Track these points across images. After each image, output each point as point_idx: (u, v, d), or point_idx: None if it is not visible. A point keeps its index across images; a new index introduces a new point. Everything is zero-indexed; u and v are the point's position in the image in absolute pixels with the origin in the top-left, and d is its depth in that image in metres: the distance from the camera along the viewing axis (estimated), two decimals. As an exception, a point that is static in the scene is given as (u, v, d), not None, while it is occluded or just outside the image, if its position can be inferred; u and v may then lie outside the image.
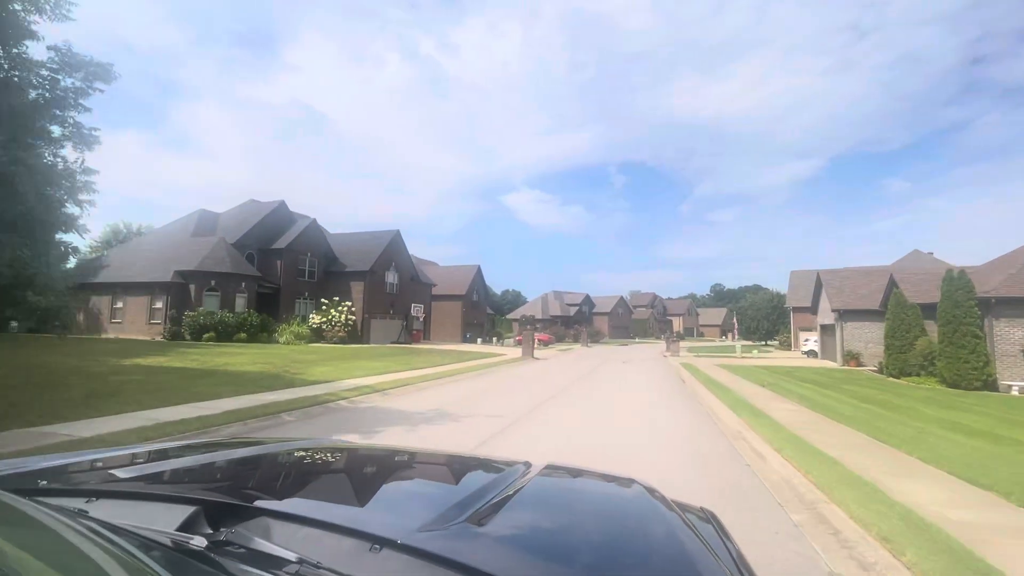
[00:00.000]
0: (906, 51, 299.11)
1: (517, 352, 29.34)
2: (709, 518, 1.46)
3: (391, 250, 38.22)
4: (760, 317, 59.60)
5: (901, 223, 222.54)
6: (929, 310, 20.29)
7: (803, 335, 45.76)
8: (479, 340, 46.23)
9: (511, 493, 1.33)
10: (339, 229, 45.16)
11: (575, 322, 72.22)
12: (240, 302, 28.73)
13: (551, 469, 1.72)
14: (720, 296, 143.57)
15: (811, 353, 36.89)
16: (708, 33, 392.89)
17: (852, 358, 25.77)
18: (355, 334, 34.19)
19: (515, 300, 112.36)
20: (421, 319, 39.70)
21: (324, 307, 33.30)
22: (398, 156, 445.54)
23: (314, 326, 32.52)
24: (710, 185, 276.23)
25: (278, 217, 34.68)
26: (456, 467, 1.98)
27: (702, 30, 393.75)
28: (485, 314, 57.73)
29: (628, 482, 1.65)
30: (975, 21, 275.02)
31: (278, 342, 27.61)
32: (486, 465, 1.93)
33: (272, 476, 1.66)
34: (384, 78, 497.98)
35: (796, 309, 47.18)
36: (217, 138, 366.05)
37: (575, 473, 1.91)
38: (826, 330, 31.59)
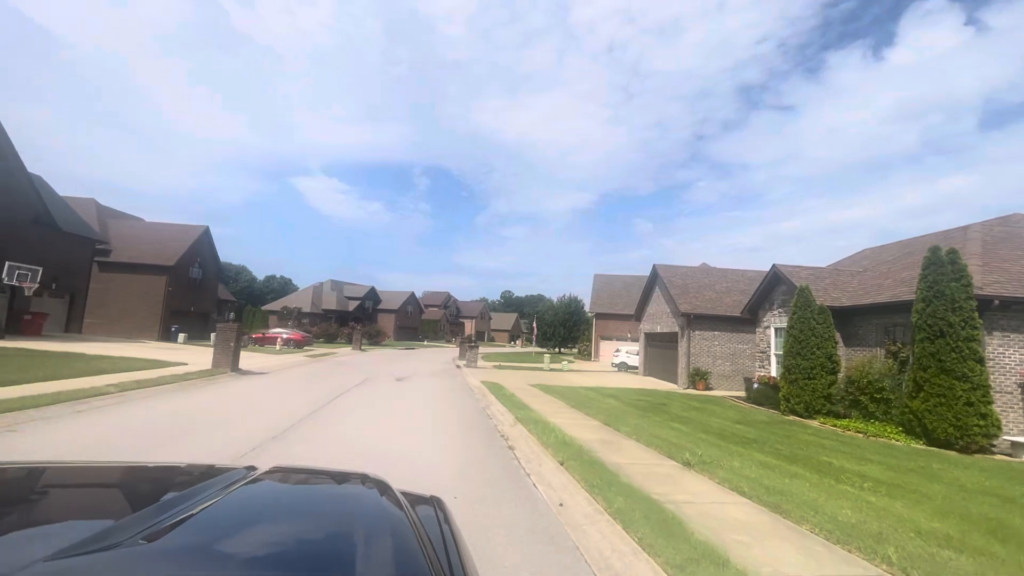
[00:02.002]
0: (659, 119, 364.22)
1: (222, 360, 15.70)
2: (433, 505, 1.42)
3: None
4: (557, 323, 55.52)
5: (644, 255, 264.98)
6: (838, 318, 14.45)
7: (606, 344, 41.67)
8: (181, 337, 29.54)
9: (213, 502, 1.13)
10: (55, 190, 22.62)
11: (355, 318, 58.53)
12: None
13: (277, 471, 1.54)
14: (509, 303, 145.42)
15: (622, 366, 31.61)
16: (516, 62, 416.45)
17: (700, 378, 19.68)
18: None
19: (283, 288, 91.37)
20: (31, 291, 21.39)
21: None
22: (161, 109, 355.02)
23: None
24: (505, 203, 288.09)
25: None
26: (151, 477, 1.55)
27: (511, 57, 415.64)
28: (214, 300, 40.00)
29: (360, 478, 1.55)
30: (701, 107, 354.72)
31: None
32: (196, 473, 1.54)
33: None
34: (148, 9, 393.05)
35: (600, 316, 43.02)
36: None
37: (304, 474, 1.72)
38: (652, 340, 25.94)
